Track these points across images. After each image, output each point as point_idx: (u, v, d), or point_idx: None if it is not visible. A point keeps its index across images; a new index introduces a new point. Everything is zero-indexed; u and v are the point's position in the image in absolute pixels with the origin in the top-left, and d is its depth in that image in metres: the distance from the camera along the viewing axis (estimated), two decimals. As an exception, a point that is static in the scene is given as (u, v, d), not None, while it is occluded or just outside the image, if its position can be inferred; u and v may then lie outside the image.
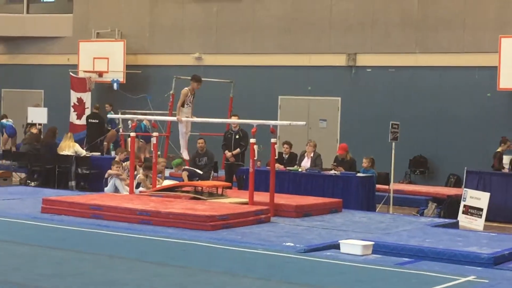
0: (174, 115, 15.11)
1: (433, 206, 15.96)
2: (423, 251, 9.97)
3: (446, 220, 13.66)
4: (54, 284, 7.52)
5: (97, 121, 21.32)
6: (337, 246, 9.99)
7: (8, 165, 20.54)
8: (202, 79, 14.56)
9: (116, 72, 25.01)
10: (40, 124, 22.05)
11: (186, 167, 16.40)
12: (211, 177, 17.23)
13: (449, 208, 15.42)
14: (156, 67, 25.22)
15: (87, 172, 18.56)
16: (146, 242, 10.39)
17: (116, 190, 15.90)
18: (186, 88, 13.81)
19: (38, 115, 21.89)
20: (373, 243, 9.95)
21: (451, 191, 17.51)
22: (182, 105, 14.02)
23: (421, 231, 11.75)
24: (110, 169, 16.21)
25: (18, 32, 27.58)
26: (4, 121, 23.29)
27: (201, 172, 16.36)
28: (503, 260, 9.61)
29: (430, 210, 15.88)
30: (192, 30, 24.82)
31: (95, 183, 17.97)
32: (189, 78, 14.42)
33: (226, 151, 17.38)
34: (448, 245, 10.26)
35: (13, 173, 19.70)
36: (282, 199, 13.63)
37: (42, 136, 21.10)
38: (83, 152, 18.98)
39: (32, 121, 21.89)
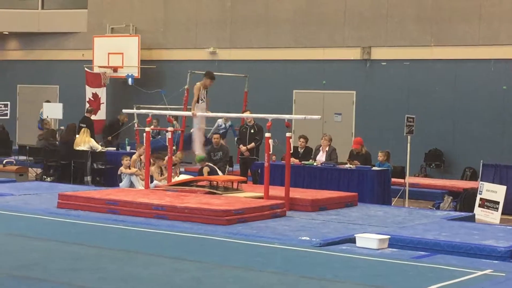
0: (189, 110, 15.14)
1: (449, 199, 15.92)
2: (439, 244, 9.96)
3: (462, 213, 13.64)
4: (71, 279, 7.56)
5: (85, 125, 20.58)
6: (353, 240, 9.99)
7: (24, 161, 20.64)
8: (217, 73, 14.58)
9: (130, 67, 25.05)
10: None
11: (209, 163, 16.43)
12: (226, 172, 17.23)
13: (465, 201, 15.39)
14: (170, 62, 25.25)
15: (103, 167, 18.61)
16: (162, 237, 10.43)
17: (131, 185, 15.97)
18: (198, 83, 13.80)
19: (53, 111, 21.95)
20: (389, 237, 9.94)
21: (467, 184, 17.46)
22: (197, 101, 14.05)
23: (437, 224, 11.73)
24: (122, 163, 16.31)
25: (33, 28, 27.67)
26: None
27: (220, 173, 16.32)
28: (520, 254, 9.59)
29: (446, 204, 15.84)
30: (206, 24, 24.82)
31: (110, 178, 18.03)
32: (203, 73, 14.45)
33: (241, 146, 17.39)
34: (464, 239, 10.24)
35: (29, 169, 19.78)
36: (298, 193, 13.63)
37: (56, 131, 21.15)
38: (98, 147, 19.04)
39: (47, 116, 21.95)
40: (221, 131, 19.15)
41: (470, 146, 20.64)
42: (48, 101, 24.37)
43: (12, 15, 27.85)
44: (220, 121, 19.35)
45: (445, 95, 21.16)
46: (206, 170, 16.33)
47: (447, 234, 10.64)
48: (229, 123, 19.40)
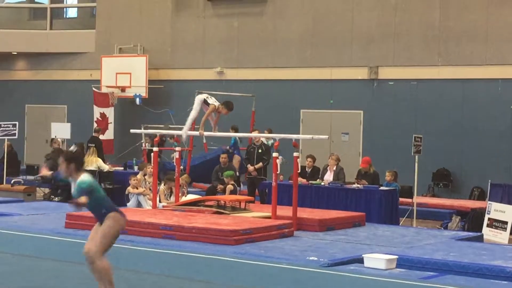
0: (197, 129, 15.15)
1: (457, 219, 15.87)
2: (447, 265, 9.93)
3: (470, 233, 13.60)
4: (79, 299, 7.55)
5: (94, 145, 20.73)
6: (360, 260, 9.97)
7: (32, 180, 20.66)
8: (224, 93, 14.59)
9: (138, 87, 25.11)
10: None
11: (234, 183, 16.56)
12: (238, 191, 17.21)
13: (473, 221, 15.32)
14: (178, 81, 25.31)
15: (110, 187, 18.62)
16: (170, 257, 10.42)
17: (139, 204, 15.97)
18: (214, 104, 13.72)
19: (61, 131, 21.99)
20: (397, 257, 9.92)
21: (475, 204, 17.41)
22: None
23: (445, 244, 11.70)
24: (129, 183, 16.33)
25: (41, 48, 27.79)
26: None
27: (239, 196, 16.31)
28: (529, 274, 9.55)
29: (454, 224, 15.79)
30: (214, 44, 24.90)
31: (118, 198, 18.01)
32: (211, 92, 14.45)
33: (249, 165, 17.40)
34: (473, 259, 10.20)
35: (37, 188, 19.80)
36: (305, 213, 13.62)
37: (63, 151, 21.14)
38: (105, 167, 19.06)
39: (55, 136, 22.00)
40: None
41: (478, 166, 20.59)
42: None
43: (20, 35, 27.99)
44: (263, 139, 19.42)
45: (453, 114, 21.15)
46: (229, 188, 16.39)
47: (455, 254, 10.60)
48: (271, 141, 19.34)
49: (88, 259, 7.49)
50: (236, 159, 18.82)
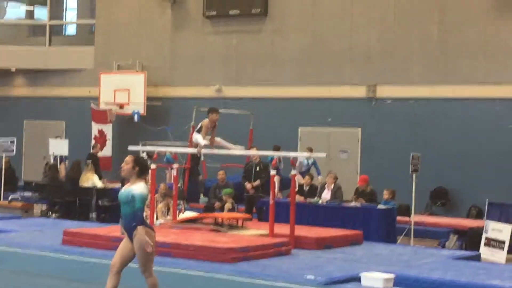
0: (195, 147, 15.16)
1: (455, 238, 15.87)
2: (445, 284, 9.92)
3: (468, 252, 13.60)
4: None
5: (90, 161, 20.72)
6: (358, 279, 9.97)
7: (30, 197, 20.66)
8: (222, 110, 14.60)
9: (137, 104, 25.13)
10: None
11: (233, 201, 16.58)
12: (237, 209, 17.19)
13: (470, 240, 15.32)
14: (176, 98, 25.34)
15: (108, 204, 18.62)
16: (167, 275, 10.39)
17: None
18: (206, 119, 13.80)
19: (59, 147, 22.00)
20: (394, 275, 9.91)
21: (473, 223, 17.38)
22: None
23: (442, 263, 11.70)
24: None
25: (40, 64, 27.84)
26: None
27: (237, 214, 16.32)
28: (526, 294, 9.55)
29: (451, 242, 15.78)
30: (212, 62, 24.95)
31: (115, 215, 18.01)
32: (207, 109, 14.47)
33: (247, 183, 17.40)
34: (470, 278, 10.20)
35: (34, 205, 19.79)
36: (303, 231, 13.62)
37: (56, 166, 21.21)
38: (99, 184, 19.03)
39: (53, 153, 21.99)
40: (304, 169, 19.17)
41: (476, 185, 20.59)
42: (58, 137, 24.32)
43: (19, 51, 28.04)
44: (302, 158, 19.43)
45: (451, 133, 21.18)
46: (227, 206, 16.39)
47: (452, 273, 10.60)
48: (311, 160, 19.32)
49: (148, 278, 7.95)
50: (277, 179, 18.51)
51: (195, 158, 19.37)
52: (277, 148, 19.82)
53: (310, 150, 19.26)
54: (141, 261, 7.64)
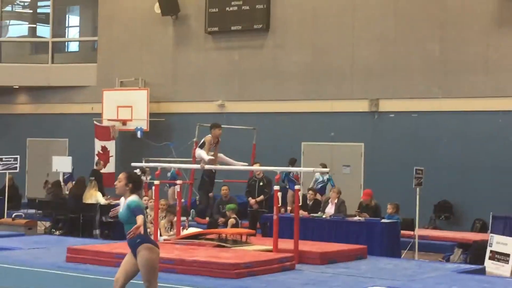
0: (198, 162, 15.18)
1: (459, 251, 15.83)
2: (450, 298, 9.90)
3: (472, 266, 13.56)
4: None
5: (94, 178, 20.76)
6: (363, 294, 9.94)
7: (33, 214, 20.65)
8: (225, 126, 14.62)
9: (139, 120, 25.17)
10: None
11: (235, 216, 16.59)
12: (240, 225, 17.17)
13: (475, 253, 15.27)
14: (179, 114, 25.36)
15: (112, 220, 18.60)
16: (171, 291, 10.38)
17: (140, 238, 15.90)
18: (209, 135, 13.85)
19: (62, 164, 22.01)
20: (399, 290, 9.89)
21: (477, 236, 17.35)
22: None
23: (447, 277, 11.67)
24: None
25: (43, 81, 27.90)
26: None
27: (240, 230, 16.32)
28: (532, 307, 9.52)
29: (456, 256, 15.75)
30: (215, 77, 25.00)
31: (119, 231, 17.96)
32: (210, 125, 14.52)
33: (250, 198, 17.39)
34: (475, 292, 10.17)
35: (38, 222, 19.78)
36: (307, 246, 13.60)
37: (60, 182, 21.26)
38: (102, 201, 19.02)
39: (56, 170, 22.00)
40: (319, 185, 19.17)
41: (480, 198, 20.55)
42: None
43: (22, 69, 28.12)
44: (317, 174, 19.44)
45: (454, 146, 21.17)
46: (231, 222, 16.38)
47: (457, 287, 10.57)
48: (326, 176, 19.31)
49: None
50: (290, 194, 18.47)
51: (210, 175, 19.36)
52: (293, 161, 19.88)
53: (325, 166, 19.32)
54: (145, 277, 7.65)
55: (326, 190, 19.23)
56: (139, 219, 7.54)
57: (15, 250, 14.12)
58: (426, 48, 21.73)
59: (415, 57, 21.86)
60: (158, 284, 9.72)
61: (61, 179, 22.17)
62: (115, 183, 7.99)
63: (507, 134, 20.54)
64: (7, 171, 20.63)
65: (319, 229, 16.07)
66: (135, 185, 7.83)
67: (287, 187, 19.38)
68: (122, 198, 7.93)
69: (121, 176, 7.88)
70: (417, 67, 21.80)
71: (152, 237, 14.68)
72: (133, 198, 7.75)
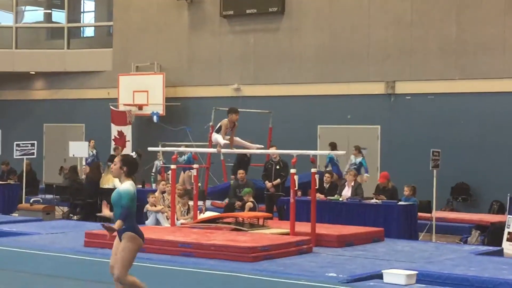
0: (214, 146, 15.18)
1: (477, 233, 15.77)
2: (467, 280, 9.87)
3: (490, 248, 13.51)
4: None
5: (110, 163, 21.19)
6: (380, 276, 9.93)
7: (51, 199, 20.75)
8: (241, 110, 14.59)
9: (155, 105, 25.21)
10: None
11: (253, 200, 16.61)
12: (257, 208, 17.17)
13: (493, 235, 15.21)
14: (195, 99, 25.38)
15: (129, 205, 18.65)
16: (188, 275, 10.42)
17: (157, 222, 15.99)
18: (226, 119, 13.83)
19: (79, 149, 22.09)
20: (416, 272, 9.87)
21: (495, 218, 17.30)
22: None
23: (465, 259, 11.63)
24: (147, 201, 16.36)
25: (59, 67, 27.97)
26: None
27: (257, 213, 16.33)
28: (550, 288, 9.48)
29: (473, 238, 15.69)
30: (230, 61, 24.97)
31: (136, 215, 18.02)
32: (227, 109, 14.49)
33: (267, 181, 17.38)
34: (493, 274, 10.14)
35: (56, 207, 19.88)
36: (324, 229, 13.59)
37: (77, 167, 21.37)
38: (119, 185, 19.04)
39: (73, 155, 22.09)
40: (352, 167, 19.16)
41: (497, 179, 20.47)
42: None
43: (38, 55, 28.19)
44: (352, 157, 19.48)
45: (471, 128, 21.07)
46: (249, 205, 16.39)
47: (475, 269, 10.54)
48: (359, 159, 19.25)
49: (116, 280, 7.77)
50: (335, 178, 18.39)
51: (243, 160, 19.41)
52: (334, 145, 19.86)
53: (359, 149, 19.31)
54: (120, 263, 7.67)
55: (360, 173, 19.14)
56: (118, 224, 7.58)
57: (33, 235, 14.20)
58: (443, 29, 21.61)
59: (431, 39, 21.74)
60: (177, 268, 9.76)
61: (78, 163, 22.23)
62: (111, 166, 8.00)
63: (525, 115, 20.42)
64: (25, 157, 20.73)
65: (336, 212, 16.06)
66: (130, 168, 7.80)
67: (332, 170, 19.24)
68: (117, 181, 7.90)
69: (116, 159, 7.89)
70: (434, 49, 21.69)
71: (169, 221, 14.78)
72: (128, 187, 7.69)
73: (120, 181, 7.88)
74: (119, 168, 7.79)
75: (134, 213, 7.74)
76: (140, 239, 7.75)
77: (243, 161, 19.31)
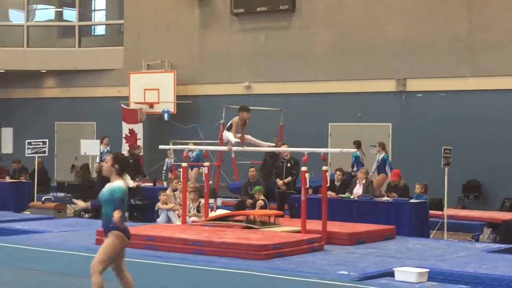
0: (225, 144, 15.18)
1: (489, 231, 15.73)
2: (479, 278, 9.83)
3: (502, 245, 13.45)
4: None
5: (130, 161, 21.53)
6: (391, 274, 9.90)
7: (62, 197, 20.80)
8: (252, 107, 14.60)
9: (166, 103, 25.24)
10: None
11: (264, 198, 16.60)
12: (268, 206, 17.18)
13: (505, 233, 15.18)
14: (206, 97, 25.40)
15: (140, 202, 18.71)
16: (200, 272, 10.42)
17: (168, 220, 16.01)
18: (237, 117, 13.83)
19: (90, 147, 22.14)
20: (428, 270, 9.84)
21: (506, 215, 17.24)
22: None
23: (477, 257, 11.60)
24: (159, 199, 16.39)
25: (70, 65, 28.04)
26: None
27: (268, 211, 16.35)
28: (563, 286, 9.44)
29: (485, 236, 15.65)
30: (241, 59, 24.98)
31: (148, 213, 18.10)
32: (238, 107, 14.53)
33: (278, 180, 17.38)
34: (505, 271, 10.10)
35: (68, 205, 19.93)
36: (335, 226, 13.57)
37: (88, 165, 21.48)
38: (131, 183, 19.06)
39: (85, 153, 22.15)
40: (375, 165, 19.17)
41: (509, 177, 20.42)
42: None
43: (49, 53, 28.26)
44: (373, 150, 19.50)
45: (482, 125, 21.01)
46: (260, 203, 16.38)
47: (487, 266, 10.51)
48: (381, 156, 19.22)
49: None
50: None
51: (266, 161, 19.41)
52: (358, 144, 19.79)
53: (383, 145, 19.26)
54: (99, 255, 7.67)
55: (387, 170, 19.03)
56: (116, 214, 7.55)
57: (45, 233, 14.22)
58: (454, 26, 21.56)
59: (442, 36, 21.68)
60: (188, 266, 9.77)
61: (90, 161, 22.27)
62: (102, 164, 7.99)
63: (537, 112, 20.36)
64: (36, 155, 20.78)
65: (347, 210, 16.05)
66: (122, 166, 7.74)
67: (356, 171, 19.17)
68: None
69: (108, 157, 7.84)
70: (445, 46, 21.64)
71: (181, 219, 14.78)
72: (119, 185, 7.65)
73: (111, 180, 7.79)
74: (111, 166, 7.73)
75: (124, 211, 7.70)
76: (126, 239, 7.72)
77: (266, 162, 19.26)
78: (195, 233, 12.51)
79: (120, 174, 7.69)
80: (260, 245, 11.32)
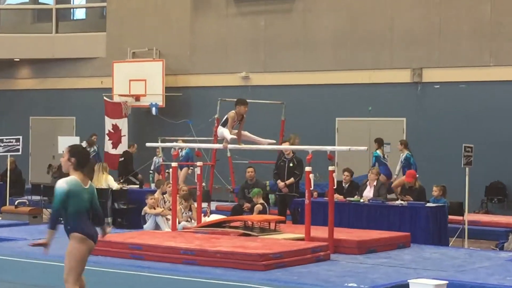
0: (220, 142, 15.21)
1: (514, 238, 15.76)
2: (504, 290, 9.88)
3: (529, 254, 13.51)
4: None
5: (123, 158, 21.59)
6: (406, 286, 9.94)
7: (38, 201, 20.79)
8: (250, 101, 14.61)
9: (154, 95, 25.26)
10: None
11: (263, 202, 16.62)
12: (268, 210, 17.20)
13: (532, 241, 15.23)
14: (198, 88, 25.42)
15: (125, 207, 18.70)
16: (191, 285, 10.44)
17: (156, 227, 16.01)
18: (233, 111, 13.86)
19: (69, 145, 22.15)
20: (446, 282, 9.87)
21: (534, 221, 17.32)
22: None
23: (501, 267, 11.63)
24: (146, 203, 16.40)
25: (46, 53, 28.04)
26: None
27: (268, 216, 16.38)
28: None
29: (510, 244, 15.68)
30: (238, 46, 24.99)
31: (133, 219, 18.09)
32: (235, 100, 14.56)
33: (279, 181, 17.38)
34: (532, 284, 10.14)
35: (44, 210, 19.92)
36: (343, 233, 13.60)
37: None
38: (114, 185, 19.10)
39: (63, 151, 22.14)
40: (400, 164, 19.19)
41: (537, 178, 20.49)
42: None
43: (23, 40, 28.26)
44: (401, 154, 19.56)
45: (507, 120, 21.04)
46: (258, 208, 16.38)
47: (512, 278, 10.55)
48: (405, 154, 19.22)
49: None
50: (382, 178, 18.36)
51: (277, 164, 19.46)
52: (380, 142, 19.78)
53: (405, 143, 19.26)
54: (66, 266, 7.71)
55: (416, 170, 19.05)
56: (47, 235, 7.56)
57: (18, 240, 14.24)
58: (476, 10, 21.57)
59: (463, 21, 21.70)
60: (179, 278, 9.78)
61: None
62: (60, 159, 7.96)
63: None
64: (9, 154, 20.78)
65: (356, 215, 16.06)
66: (79, 159, 7.68)
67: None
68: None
69: (64, 150, 7.80)
70: (465, 32, 21.65)
71: (170, 225, 14.79)
72: (61, 184, 7.58)
73: (70, 175, 7.76)
74: (67, 160, 7.70)
75: (81, 211, 7.67)
76: (90, 241, 7.72)
77: (277, 165, 19.22)
78: (186, 241, 12.53)
79: (77, 168, 7.66)
80: (259, 254, 11.35)
